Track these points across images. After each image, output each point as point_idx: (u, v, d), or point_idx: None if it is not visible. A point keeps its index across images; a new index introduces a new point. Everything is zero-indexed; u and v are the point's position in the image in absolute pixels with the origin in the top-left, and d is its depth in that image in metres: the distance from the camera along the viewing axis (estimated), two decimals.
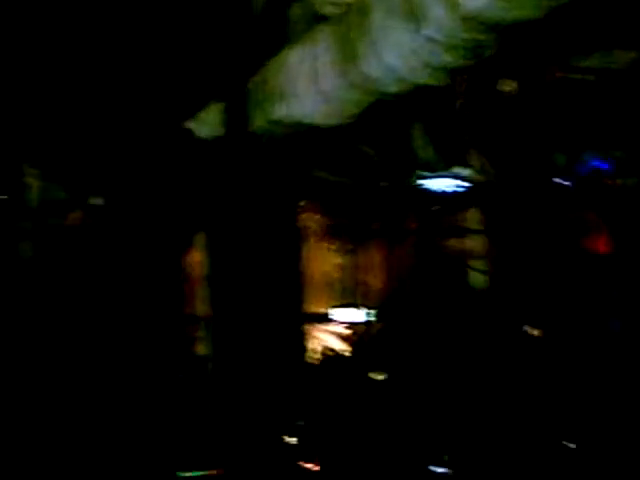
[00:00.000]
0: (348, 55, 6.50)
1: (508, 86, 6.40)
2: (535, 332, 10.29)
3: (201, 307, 9.33)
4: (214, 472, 6.16)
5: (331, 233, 12.73)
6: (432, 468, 7.08)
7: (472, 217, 8.90)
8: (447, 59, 5.89)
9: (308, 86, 7.02)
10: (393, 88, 6.59)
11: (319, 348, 12.50)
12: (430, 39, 5.69)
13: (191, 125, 7.84)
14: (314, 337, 12.68)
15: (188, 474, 5.92)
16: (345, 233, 12.23)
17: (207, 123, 8.02)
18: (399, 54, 5.98)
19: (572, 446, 7.30)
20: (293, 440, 7.46)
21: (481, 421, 7.89)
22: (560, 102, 7.34)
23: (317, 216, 12.42)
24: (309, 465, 6.68)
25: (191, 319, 9.49)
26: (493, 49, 5.74)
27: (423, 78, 6.28)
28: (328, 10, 7.08)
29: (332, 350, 12.58)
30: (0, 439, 5.62)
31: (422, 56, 5.91)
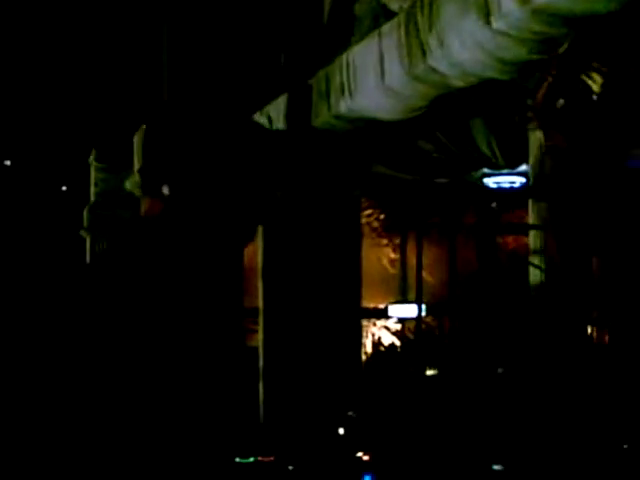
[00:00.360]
0: (415, 50, 6.53)
1: (593, 81, 6.35)
2: (594, 332, 10.17)
3: (260, 299, 9.43)
4: (268, 459, 6.30)
5: (389, 229, 12.75)
6: (486, 464, 7.07)
7: (533, 213, 8.80)
8: (517, 53, 5.89)
9: (374, 81, 7.07)
10: (459, 82, 6.62)
11: (374, 342, 12.55)
12: (500, 32, 5.70)
13: (259, 118, 7.94)
14: (370, 332, 12.73)
15: (245, 460, 6.06)
16: (403, 229, 12.23)
17: (272, 117, 8.12)
18: (468, 48, 6.00)
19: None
20: (344, 430, 7.53)
21: (536, 418, 7.83)
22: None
23: (376, 211, 12.47)
24: (360, 454, 6.75)
25: (250, 311, 9.60)
26: (565, 43, 5.72)
27: (491, 72, 6.29)
28: (395, 5, 7.13)
29: (387, 345, 12.61)
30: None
31: (491, 50, 5.91)
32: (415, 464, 6.39)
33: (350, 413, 7.76)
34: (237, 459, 5.91)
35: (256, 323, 9.39)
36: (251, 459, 6.09)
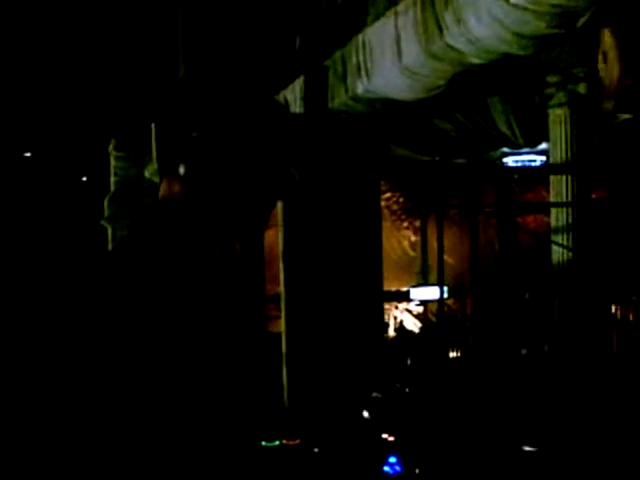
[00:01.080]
0: (432, 27, 6.45)
1: None
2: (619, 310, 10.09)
3: (281, 285, 9.43)
4: (294, 442, 6.32)
5: (409, 211, 12.69)
6: (515, 445, 7.03)
7: (554, 190, 8.72)
8: (535, 27, 5.79)
9: (391, 61, 6.99)
10: (477, 59, 6.53)
11: (397, 325, 12.54)
12: (517, 6, 5.61)
13: (280, 99, 7.90)
14: (392, 315, 12.71)
15: (271, 444, 6.08)
16: (423, 211, 12.19)
17: (289, 101, 8.08)
18: (485, 23, 5.91)
19: None
20: (368, 412, 7.52)
21: (563, 399, 7.78)
22: None
23: (396, 194, 12.41)
24: (385, 435, 6.75)
25: (272, 298, 9.60)
26: (584, 15, 5.63)
27: (509, 47, 6.19)
28: None
29: (409, 328, 12.59)
30: None
31: (509, 24, 5.82)
32: (440, 445, 6.37)
33: (375, 394, 7.75)
34: (263, 443, 5.92)
35: (279, 309, 9.40)
36: (277, 443, 6.11)
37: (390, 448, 5.97)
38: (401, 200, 12.61)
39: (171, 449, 1.57)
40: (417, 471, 5.62)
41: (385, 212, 12.52)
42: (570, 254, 8.52)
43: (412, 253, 12.71)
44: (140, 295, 1.60)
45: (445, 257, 11.22)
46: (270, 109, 1.71)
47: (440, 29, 6.35)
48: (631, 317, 10.04)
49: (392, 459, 5.66)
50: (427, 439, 6.52)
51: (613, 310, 10.17)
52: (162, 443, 1.55)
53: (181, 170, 1.66)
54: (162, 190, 1.71)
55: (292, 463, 5.85)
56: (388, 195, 12.40)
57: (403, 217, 12.73)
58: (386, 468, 5.64)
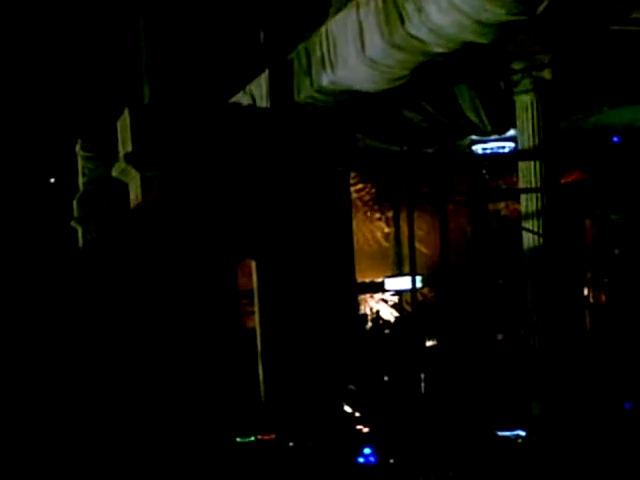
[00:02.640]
0: (393, 17, 6.45)
1: None
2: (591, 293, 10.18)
3: (254, 280, 9.41)
4: (269, 437, 6.33)
5: (381, 202, 12.70)
6: (489, 431, 7.08)
7: (523, 177, 8.76)
8: (495, 14, 5.81)
9: (355, 52, 7.00)
10: (440, 48, 6.54)
11: (373, 316, 12.55)
12: None
13: (243, 98, 7.87)
14: (368, 306, 12.73)
15: (246, 440, 6.09)
16: (394, 202, 12.19)
17: (255, 95, 8.05)
18: (445, 12, 5.93)
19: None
20: (344, 404, 7.55)
21: (539, 383, 7.84)
22: None
23: (367, 186, 12.41)
24: (360, 427, 6.77)
25: (245, 293, 9.57)
26: (543, 2, 5.65)
27: (470, 35, 6.21)
28: None
29: (385, 318, 12.61)
30: None
31: (469, 12, 5.84)
32: (415, 434, 6.40)
33: (350, 387, 7.78)
34: (238, 439, 5.92)
35: (253, 305, 9.38)
36: (252, 438, 6.11)
37: (365, 439, 5.99)
38: (373, 191, 12.61)
39: (146, 445, 1.57)
40: (391, 461, 5.65)
41: (357, 203, 12.53)
42: (541, 239, 8.57)
43: (386, 244, 12.72)
44: (112, 295, 1.60)
45: (418, 246, 11.24)
46: (229, 112, 1.70)
47: (401, 19, 6.35)
48: (603, 299, 10.13)
49: (367, 450, 5.68)
50: (401, 429, 6.55)
51: (585, 292, 10.26)
52: (136, 439, 1.54)
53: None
54: (150, 195, 1.70)
55: (267, 458, 5.86)
56: (360, 186, 12.40)
57: (375, 208, 12.73)
58: (360, 459, 5.67)
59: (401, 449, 5.89)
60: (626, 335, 9.13)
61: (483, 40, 6.37)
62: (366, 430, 6.40)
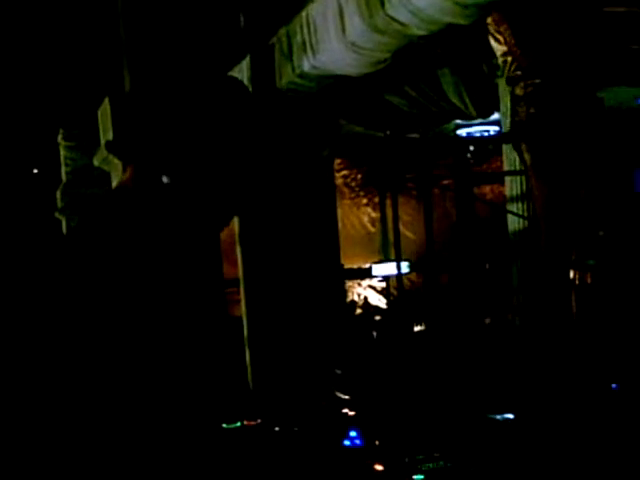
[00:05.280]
0: (373, 0, 6.41)
1: None
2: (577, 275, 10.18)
3: (239, 268, 9.38)
4: (253, 423, 6.33)
5: (367, 188, 12.69)
6: (481, 414, 7.08)
7: (507, 160, 8.76)
8: None
9: (335, 36, 6.94)
10: (421, 31, 6.50)
11: (361, 302, 12.57)
12: None
13: None
14: (356, 292, 12.74)
15: (231, 426, 6.08)
16: (380, 187, 12.18)
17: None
18: None
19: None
20: (330, 388, 7.55)
21: (528, 367, 7.85)
22: None
23: (353, 172, 12.40)
24: (346, 410, 6.77)
25: (232, 282, 9.55)
26: None
27: (451, 17, 6.17)
28: None
29: (372, 304, 12.63)
30: None
31: None
32: (400, 417, 6.41)
33: (337, 371, 7.78)
34: (224, 425, 5.90)
35: (239, 293, 9.36)
36: (237, 424, 6.10)
37: (350, 422, 6.00)
38: (359, 177, 12.61)
39: (134, 435, 1.55)
40: (377, 443, 5.66)
41: (344, 190, 12.52)
42: (525, 222, 8.58)
43: (372, 229, 12.73)
44: (96, 282, 1.57)
45: (405, 232, 11.26)
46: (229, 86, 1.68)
47: (381, 1, 6.30)
48: (589, 281, 10.15)
49: (352, 433, 5.69)
50: (387, 411, 6.56)
51: (571, 275, 10.27)
52: (124, 428, 1.52)
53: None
54: (125, 177, 1.67)
55: (253, 443, 5.86)
56: (346, 172, 12.39)
57: (362, 194, 12.74)
58: (346, 442, 5.68)
59: (387, 432, 5.90)
60: (612, 317, 9.15)
61: (464, 21, 6.32)
62: (352, 413, 6.41)
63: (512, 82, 7.32)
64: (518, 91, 7.86)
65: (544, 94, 6.84)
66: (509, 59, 7.17)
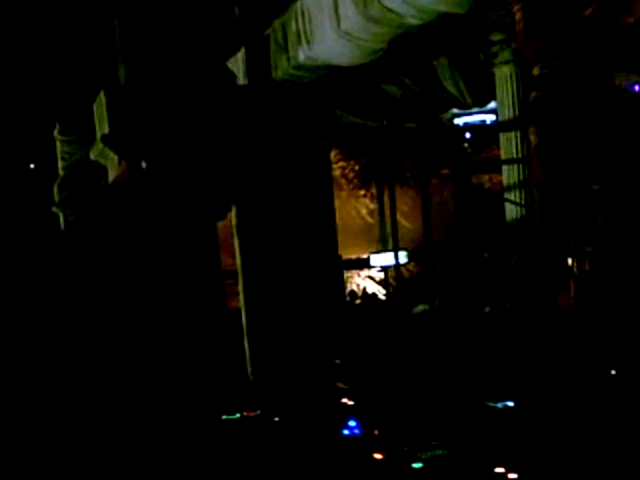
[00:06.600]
0: None
1: None
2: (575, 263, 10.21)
3: (237, 260, 9.38)
4: (253, 414, 6.35)
5: (365, 179, 12.67)
6: (480, 403, 7.10)
7: (503, 148, 8.76)
8: None
9: (330, 26, 6.93)
10: (416, 20, 6.49)
11: (360, 292, 12.58)
12: None
13: None
14: (354, 282, 12.75)
15: (231, 417, 6.10)
16: (377, 178, 12.17)
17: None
18: None
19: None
20: (330, 378, 7.56)
21: (527, 355, 7.87)
22: None
23: (350, 162, 12.38)
24: (345, 400, 6.79)
25: (229, 274, 9.55)
26: None
27: (445, 6, 6.17)
28: None
29: (370, 294, 12.64)
30: None
31: None
32: (400, 406, 6.42)
33: (336, 361, 7.80)
34: (223, 417, 5.91)
35: (237, 285, 9.36)
36: (237, 415, 6.12)
37: (350, 412, 6.02)
38: (357, 168, 12.59)
39: (133, 426, 1.55)
40: (376, 432, 5.68)
41: (342, 181, 12.51)
42: (523, 210, 8.59)
43: (371, 220, 12.73)
44: (93, 276, 1.57)
45: (403, 221, 11.25)
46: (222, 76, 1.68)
47: None
48: (587, 268, 10.18)
49: (352, 422, 5.71)
50: (386, 401, 6.57)
51: (570, 262, 10.30)
52: (124, 419, 1.53)
53: (143, 164, 1.64)
54: (120, 171, 1.68)
55: (252, 433, 5.88)
56: (343, 164, 12.37)
57: (360, 185, 12.73)
58: (346, 431, 5.70)
59: (386, 421, 5.92)
60: (610, 304, 9.17)
61: (458, 10, 6.31)
62: (351, 403, 6.42)
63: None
64: (535, 71, 7.82)
65: (560, 76, 6.78)
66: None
